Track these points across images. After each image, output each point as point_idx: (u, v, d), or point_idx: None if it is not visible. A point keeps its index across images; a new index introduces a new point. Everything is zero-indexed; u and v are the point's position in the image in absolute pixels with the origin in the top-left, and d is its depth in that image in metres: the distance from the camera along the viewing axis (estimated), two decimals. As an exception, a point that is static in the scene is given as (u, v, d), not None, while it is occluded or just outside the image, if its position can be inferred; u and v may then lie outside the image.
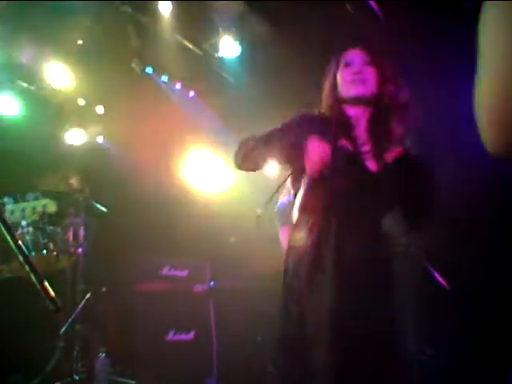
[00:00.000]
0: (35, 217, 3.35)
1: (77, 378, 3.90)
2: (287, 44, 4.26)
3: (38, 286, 1.19)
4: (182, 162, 5.52)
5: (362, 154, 2.05)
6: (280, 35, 4.27)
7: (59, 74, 4.79)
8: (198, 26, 4.57)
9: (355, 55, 2.17)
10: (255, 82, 4.90)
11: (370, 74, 2.11)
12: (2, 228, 1.23)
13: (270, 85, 4.78)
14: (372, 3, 3.79)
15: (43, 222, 4.09)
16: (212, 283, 5.24)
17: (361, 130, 2.11)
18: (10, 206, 3.41)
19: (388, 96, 2.09)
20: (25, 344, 3.55)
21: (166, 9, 4.26)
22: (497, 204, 3.85)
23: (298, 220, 2.11)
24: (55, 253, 4.05)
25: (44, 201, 3.88)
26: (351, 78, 2.11)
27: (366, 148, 2.05)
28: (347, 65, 2.16)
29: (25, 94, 4.91)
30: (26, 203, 3.24)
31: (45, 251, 3.99)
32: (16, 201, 3.61)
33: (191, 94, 5.28)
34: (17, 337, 3.53)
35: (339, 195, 2.01)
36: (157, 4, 4.21)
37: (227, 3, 4.11)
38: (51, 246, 4.05)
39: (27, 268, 1.20)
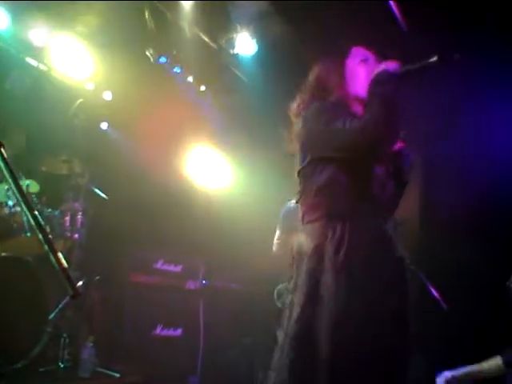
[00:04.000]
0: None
1: (62, 365, 3.82)
2: (303, 44, 4.22)
3: (57, 267, 1.12)
4: (185, 157, 5.47)
5: None
6: (297, 35, 4.23)
7: (70, 56, 4.72)
8: (217, 20, 4.53)
9: (370, 54, 2.18)
10: (268, 81, 4.86)
11: None
12: (23, 205, 1.17)
13: (282, 85, 4.73)
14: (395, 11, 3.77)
15: (41, 203, 4.03)
16: (204, 281, 5.20)
17: None
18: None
19: None
20: (11, 326, 3.48)
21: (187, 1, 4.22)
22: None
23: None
24: (50, 236, 3.96)
25: (27, 181, 3.82)
26: (368, 76, 2.08)
27: None
28: (365, 61, 2.16)
29: (33, 73, 4.84)
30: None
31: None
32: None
33: (202, 88, 5.22)
34: (3, 318, 3.45)
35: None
36: (178, -6, 4.15)
37: (248, 1, 4.07)
38: (47, 228, 3.97)
39: (46, 248, 1.14)
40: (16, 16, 4.36)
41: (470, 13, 3.69)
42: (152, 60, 4.77)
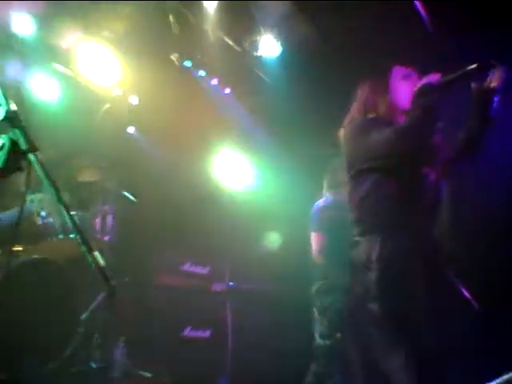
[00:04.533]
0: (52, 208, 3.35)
1: (94, 365, 3.88)
2: (328, 47, 4.22)
3: (95, 267, 1.16)
4: (211, 159, 5.51)
5: None
6: (322, 37, 4.23)
7: (96, 62, 4.79)
8: (241, 23, 4.55)
9: (411, 71, 2.32)
10: (292, 83, 4.86)
11: None
12: (62, 208, 1.21)
13: (306, 87, 4.74)
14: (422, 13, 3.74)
15: (72, 206, 4.10)
16: (231, 283, 5.22)
17: None
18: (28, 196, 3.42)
19: None
20: (44, 327, 3.53)
21: (210, 4, 4.25)
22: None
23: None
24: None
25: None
26: (410, 90, 2.21)
27: None
28: (406, 77, 2.30)
29: (60, 78, 4.91)
30: (42, 194, 3.25)
31: (72, 235, 3.99)
32: (33, 191, 3.64)
33: (227, 90, 5.25)
34: (36, 320, 3.51)
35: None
36: (202, -1, 4.19)
37: (273, 2, 4.08)
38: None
39: (84, 248, 1.17)
40: (42, 21, 4.43)
41: (497, 12, 3.64)
42: (177, 64, 4.82)
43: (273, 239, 5.46)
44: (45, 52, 4.63)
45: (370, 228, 2.12)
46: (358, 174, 2.20)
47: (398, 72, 2.33)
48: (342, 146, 2.34)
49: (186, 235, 5.19)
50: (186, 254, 5.05)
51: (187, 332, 4.84)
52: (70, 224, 1.20)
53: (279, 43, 4.65)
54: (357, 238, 2.15)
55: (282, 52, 4.73)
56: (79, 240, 1.20)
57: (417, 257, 2.05)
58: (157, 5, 4.19)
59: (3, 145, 1.28)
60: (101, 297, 4.05)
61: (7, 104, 1.30)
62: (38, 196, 3.60)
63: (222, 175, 5.59)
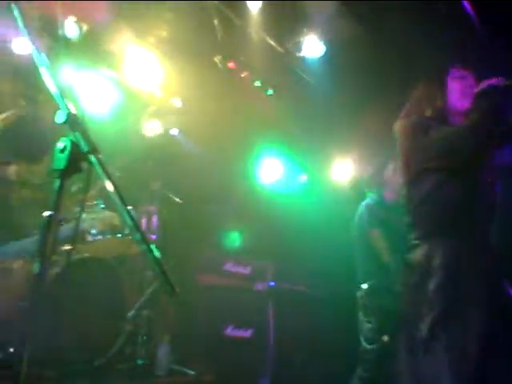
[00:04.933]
0: (103, 228, 3.42)
1: (140, 362, 3.96)
2: (373, 47, 4.17)
3: (157, 268, 1.18)
4: (254, 160, 5.54)
5: None
6: (367, 37, 4.19)
7: (142, 65, 4.89)
8: (284, 24, 4.56)
9: (467, 73, 2.30)
10: (335, 84, 4.84)
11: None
12: (123, 207, 1.24)
13: (350, 88, 4.71)
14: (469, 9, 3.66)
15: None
16: (272, 283, 5.24)
17: None
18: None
19: None
20: (92, 324, 3.60)
21: (254, 5, 4.27)
22: None
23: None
24: (129, 237, 4.14)
25: (110, 213, 3.96)
26: (465, 91, 2.22)
27: None
28: (462, 78, 2.28)
29: (107, 81, 5.02)
30: (96, 213, 3.32)
31: (119, 234, 4.09)
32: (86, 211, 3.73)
33: (270, 91, 5.27)
34: (84, 316, 3.59)
35: None
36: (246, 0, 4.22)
37: (318, 2, 4.06)
38: (126, 230, 4.14)
39: (144, 247, 1.20)
40: (91, 25, 4.53)
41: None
42: (220, 66, 4.86)
43: (313, 239, 5.44)
44: (93, 56, 4.75)
45: (430, 231, 2.07)
46: (416, 175, 2.16)
47: (454, 73, 2.31)
48: (396, 143, 2.30)
49: (228, 235, 5.24)
50: (227, 254, 5.10)
51: (229, 331, 4.87)
52: (129, 223, 1.22)
53: (323, 43, 4.63)
54: (416, 241, 2.11)
55: (326, 52, 4.71)
56: (140, 239, 1.22)
57: (479, 269, 2.00)
58: (201, 9, 4.24)
59: (65, 147, 1.32)
60: (146, 295, 4.14)
61: (67, 108, 1.34)
62: (90, 215, 3.68)
63: (264, 176, 5.61)
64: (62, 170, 1.32)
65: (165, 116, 5.24)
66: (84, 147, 1.30)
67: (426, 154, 2.10)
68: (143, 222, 4.31)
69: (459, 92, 2.23)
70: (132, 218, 1.25)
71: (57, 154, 1.33)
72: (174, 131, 5.53)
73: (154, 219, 4.36)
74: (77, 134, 1.32)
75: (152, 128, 5.31)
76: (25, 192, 3.79)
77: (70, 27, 4.37)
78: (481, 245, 2.07)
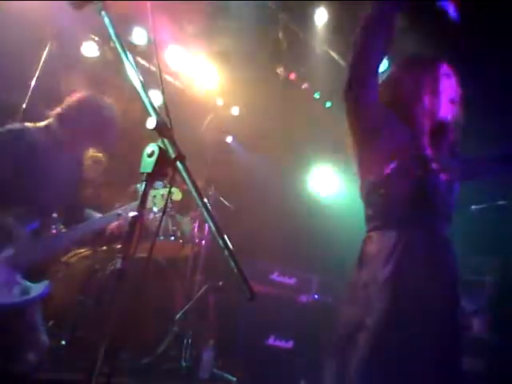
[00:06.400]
0: (164, 203, 3.46)
1: (184, 364, 4.00)
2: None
3: (236, 270, 1.20)
4: (307, 172, 5.54)
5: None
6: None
7: (203, 74, 4.99)
8: (348, 37, 4.54)
9: (450, 69, 2.03)
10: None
11: None
12: (206, 212, 1.27)
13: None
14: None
15: (174, 209, 4.28)
16: (316, 296, 5.21)
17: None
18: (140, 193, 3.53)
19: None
20: (141, 323, 3.67)
21: (321, 17, 4.30)
22: None
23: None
24: (181, 241, 4.21)
25: (171, 189, 4.03)
26: (451, 98, 1.99)
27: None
28: (448, 76, 2.02)
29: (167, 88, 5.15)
30: (155, 190, 3.37)
31: (172, 237, 4.17)
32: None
33: (328, 104, 5.27)
34: (135, 315, 3.65)
35: None
36: (313, 14, 4.25)
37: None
38: (178, 233, 4.22)
39: (226, 252, 1.22)
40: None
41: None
42: (282, 77, 4.90)
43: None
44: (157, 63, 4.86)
45: (384, 223, 1.89)
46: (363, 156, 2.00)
47: (443, 69, 2.02)
48: None
49: (277, 245, 5.24)
50: (274, 263, 5.11)
51: (271, 341, 4.86)
52: (213, 228, 1.25)
53: (386, 58, 4.58)
54: (369, 233, 1.93)
55: (388, 67, 4.66)
56: (222, 244, 1.25)
57: (429, 261, 1.83)
58: (267, 20, 4.30)
59: (153, 152, 1.37)
60: (194, 299, 4.19)
61: (157, 114, 1.39)
62: (152, 192, 3.70)
63: (316, 188, 5.60)
64: (149, 173, 1.37)
65: (222, 123, 5.31)
66: (171, 153, 1.34)
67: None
68: (195, 226, 4.37)
69: (446, 97, 1.99)
70: (216, 223, 1.27)
71: (145, 158, 1.38)
72: (229, 139, 5.61)
73: (206, 224, 4.41)
74: (165, 140, 1.36)
75: (210, 135, 5.40)
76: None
77: (139, 35, 4.52)
78: (438, 242, 1.89)
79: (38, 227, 2.62)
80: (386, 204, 1.91)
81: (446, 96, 1.99)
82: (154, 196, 3.29)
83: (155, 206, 3.35)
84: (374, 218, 1.94)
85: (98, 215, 2.97)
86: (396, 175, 1.89)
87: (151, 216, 3.97)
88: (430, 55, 2.14)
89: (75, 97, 2.74)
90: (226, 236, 1.24)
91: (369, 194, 1.97)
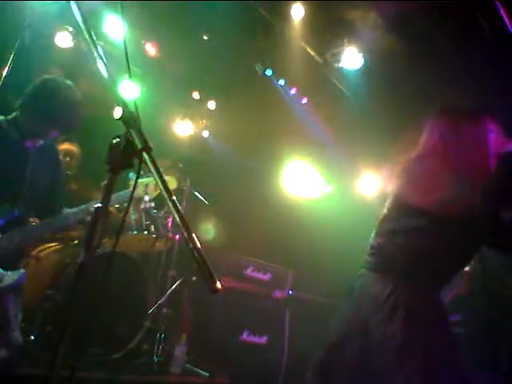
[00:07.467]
0: (157, 193, 3.39)
1: (156, 359, 3.97)
2: (412, 60, 4.14)
3: (200, 263, 1.17)
4: (282, 167, 5.54)
5: None
6: (406, 51, 4.15)
7: (179, 65, 4.94)
8: (325, 34, 4.56)
9: (495, 127, 2.05)
10: (371, 96, 4.81)
11: None
12: (172, 206, 1.25)
13: (387, 100, 4.68)
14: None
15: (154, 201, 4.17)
16: (291, 291, 5.22)
17: None
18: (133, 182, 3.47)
19: None
20: (114, 318, 3.61)
21: (297, 13, 4.29)
22: None
23: None
24: (154, 235, 4.17)
25: (166, 177, 3.95)
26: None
27: None
28: (491, 132, 2.04)
29: (142, 81, 5.07)
30: (148, 179, 3.30)
31: (145, 232, 4.13)
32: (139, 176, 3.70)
33: (304, 101, 5.28)
34: (108, 310, 3.58)
35: None
36: (290, 8, 4.24)
37: (360, 15, 4.06)
38: (152, 228, 4.18)
39: (190, 246, 1.20)
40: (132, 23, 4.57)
41: None
42: (259, 73, 4.88)
43: (336, 250, 5.41)
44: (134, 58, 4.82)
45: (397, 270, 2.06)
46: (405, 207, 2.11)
47: (488, 124, 2.03)
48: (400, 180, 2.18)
49: (251, 240, 5.23)
50: (248, 259, 5.10)
51: (245, 336, 4.86)
52: (179, 222, 1.23)
53: (362, 55, 4.62)
54: (374, 274, 2.13)
55: (364, 64, 4.69)
56: (186, 237, 1.22)
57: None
58: (245, 15, 4.26)
59: (119, 142, 1.35)
60: (167, 294, 4.15)
61: (124, 104, 1.36)
62: (144, 180, 3.61)
63: (291, 184, 5.60)
64: (114, 164, 1.34)
65: (197, 117, 5.28)
66: (138, 144, 1.32)
67: (440, 202, 1.98)
68: (169, 221, 4.33)
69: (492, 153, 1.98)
70: (182, 217, 1.25)
71: (110, 148, 1.35)
72: (205, 133, 5.57)
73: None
74: (132, 131, 1.34)
75: (183, 129, 5.36)
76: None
77: (111, 27, 4.45)
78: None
79: (15, 217, 2.57)
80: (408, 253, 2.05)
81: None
82: (146, 185, 3.22)
83: (147, 195, 3.29)
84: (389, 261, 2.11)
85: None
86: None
87: (142, 205, 3.90)
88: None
89: (34, 82, 2.65)
90: (190, 228, 1.21)
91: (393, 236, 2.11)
